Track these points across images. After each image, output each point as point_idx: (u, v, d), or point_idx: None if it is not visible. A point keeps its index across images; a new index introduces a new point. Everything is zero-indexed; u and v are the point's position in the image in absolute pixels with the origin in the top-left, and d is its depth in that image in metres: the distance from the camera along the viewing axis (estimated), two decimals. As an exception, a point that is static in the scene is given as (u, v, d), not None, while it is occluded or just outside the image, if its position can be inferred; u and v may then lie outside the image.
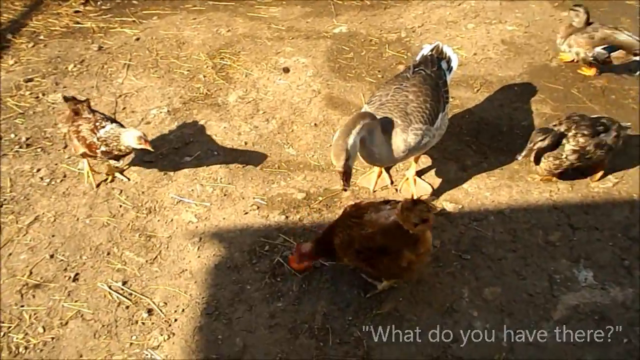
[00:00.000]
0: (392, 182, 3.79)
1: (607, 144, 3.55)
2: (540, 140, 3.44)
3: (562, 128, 3.54)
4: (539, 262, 3.31)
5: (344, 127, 2.99)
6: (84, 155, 3.57)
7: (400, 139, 3.22)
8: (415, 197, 2.87)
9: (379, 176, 3.76)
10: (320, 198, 3.67)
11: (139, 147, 3.39)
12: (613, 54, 4.37)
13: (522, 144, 3.92)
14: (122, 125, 3.55)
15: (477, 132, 4.16)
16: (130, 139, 3.37)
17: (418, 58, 3.75)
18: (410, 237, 2.79)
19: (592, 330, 2.98)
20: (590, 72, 4.63)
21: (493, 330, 2.98)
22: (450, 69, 3.73)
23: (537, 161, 3.59)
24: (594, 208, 3.61)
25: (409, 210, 2.75)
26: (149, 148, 3.40)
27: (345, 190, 3.15)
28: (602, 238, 3.43)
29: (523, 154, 3.48)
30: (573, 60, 4.70)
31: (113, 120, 3.57)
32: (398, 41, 5.07)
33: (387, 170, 3.83)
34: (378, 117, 3.25)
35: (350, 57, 4.86)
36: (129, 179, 3.74)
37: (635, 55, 4.36)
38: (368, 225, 2.83)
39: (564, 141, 3.50)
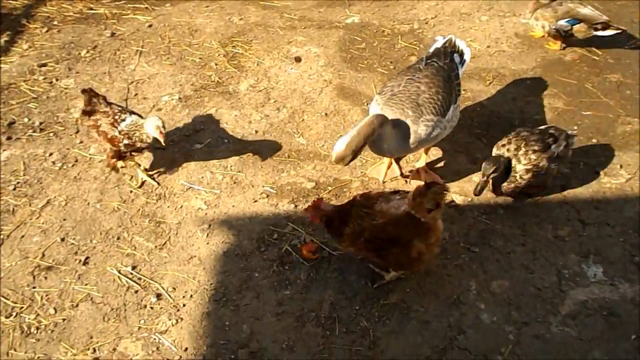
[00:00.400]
0: (402, 174, 3.78)
1: (558, 155, 3.39)
2: (493, 172, 3.26)
3: (512, 147, 3.36)
4: (547, 256, 3.30)
5: (353, 138, 2.97)
6: (112, 153, 3.52)
7: (411, 130, 3.21)
8: (427, 181, 2.80)
9: (388, 167, 3.75)
10: (330, 188, 3.67)
11: (155, 134, 3.36)
12: (575, 27, 4.50)
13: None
14: (140, 117, 3.52)
15: (488, 125, 4.14)
16: (150, 126, 3.35)
17: (431, 50, 3.72)
18: (422, 226, 2.79)
19: (600, 326, 2.97)
20: (556, 46, 4.79)
21: (500, 323, 2.99)
22: (462, 62, 3.71)
23: (496, 190, 3.41)
24: (605, 204, 3.58)
25: (422, 195, 2.72)
26: (162, 141, 3.36)
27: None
28: (613, 234, 3.41)
29: (478, 189, 3.29)
30: (544, 36, 4.80)
31: (132, 112, 3.54)
32: (411, 32, 5.03)
33: (397, 161, 3.82)
34: (389, 107, 3.25)
35: (362, 48, 4.84)
36: (159, 184, 3.69)
37: (596, 29, 4.49)
38: (379, 216, 2.82)
39: (514, 162, 3.32)
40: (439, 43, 3.76)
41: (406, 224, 2.78)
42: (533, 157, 3.32)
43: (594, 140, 4.01)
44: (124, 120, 3.43)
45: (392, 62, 4.70)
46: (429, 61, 3.53)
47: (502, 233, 3.41)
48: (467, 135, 4.03)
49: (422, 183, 3.62)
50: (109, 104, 3.57)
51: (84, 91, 3.62)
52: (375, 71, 4.59)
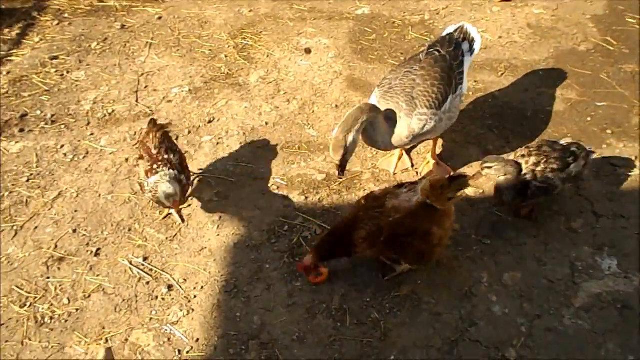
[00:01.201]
0: (412, 165, 3.76)
1: (575, 175, 3.28)
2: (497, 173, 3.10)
3: (531, 160, 3.21)
4: (560, 248, 3.27)
5: (344, 122, 2.98)
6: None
7: (404, 125, 3.17)
8: (451, 175, 2.79)
9: (399, 159, 3.73)
10: (340, 180, 3.66)
11: (166, 204, 3.10)
12: None
13: (546, 130, 3.87)
14: (180, 167, 3.19)
15: (500, 116, 4.09)
16: (161, 192, 3.07)
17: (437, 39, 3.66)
18: (437, 213, 2.80)
19: (614, 319, 2.94)
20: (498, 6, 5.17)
21: (512, 316, 2.97)
22: (472, 50, 3.63)
23: (502, 201, 3.24)
24: (619, 195, 3.53)
25: (445, 187, 2.74)
26: (175, 215, 3.19)
27: (340, 178, 3.13)
28: (627, 226, 3.36)
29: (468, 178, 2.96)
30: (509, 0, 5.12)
31: (174, 167, 3.11)
32: (421, 23, 4.98)
33: (408, 152, 3.80)
34: (385, 100, 3.23)
35: (372, 39, 4.80)
36: (184, 221, 3.44)
37: None
38: (393, 212, 2.82)
39: (530, 177, 3.18)
40: (449, 30, 3.69)
41: (422, 214, 2.79)
42: (550, 175, 3.20)
43: (609, 132, 3.96)
44: (156, 173, 3.06)
45: (402, 53, 4.66)
46: (430, 50, 3.45)
47: (514, 225, 3.38)
48: (479, 127, 3.99)
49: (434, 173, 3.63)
50: (163, 143, 3.22)
51: (152, 121, 3.40)
52: (385, 62, 4.56)
